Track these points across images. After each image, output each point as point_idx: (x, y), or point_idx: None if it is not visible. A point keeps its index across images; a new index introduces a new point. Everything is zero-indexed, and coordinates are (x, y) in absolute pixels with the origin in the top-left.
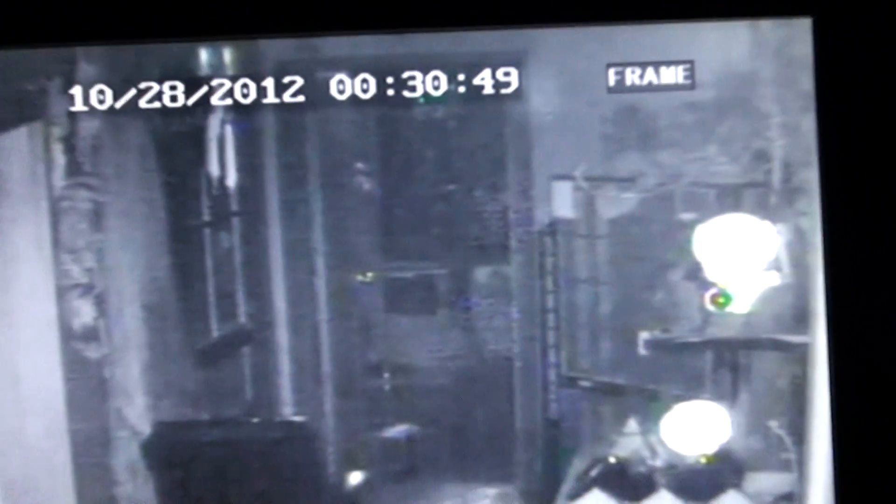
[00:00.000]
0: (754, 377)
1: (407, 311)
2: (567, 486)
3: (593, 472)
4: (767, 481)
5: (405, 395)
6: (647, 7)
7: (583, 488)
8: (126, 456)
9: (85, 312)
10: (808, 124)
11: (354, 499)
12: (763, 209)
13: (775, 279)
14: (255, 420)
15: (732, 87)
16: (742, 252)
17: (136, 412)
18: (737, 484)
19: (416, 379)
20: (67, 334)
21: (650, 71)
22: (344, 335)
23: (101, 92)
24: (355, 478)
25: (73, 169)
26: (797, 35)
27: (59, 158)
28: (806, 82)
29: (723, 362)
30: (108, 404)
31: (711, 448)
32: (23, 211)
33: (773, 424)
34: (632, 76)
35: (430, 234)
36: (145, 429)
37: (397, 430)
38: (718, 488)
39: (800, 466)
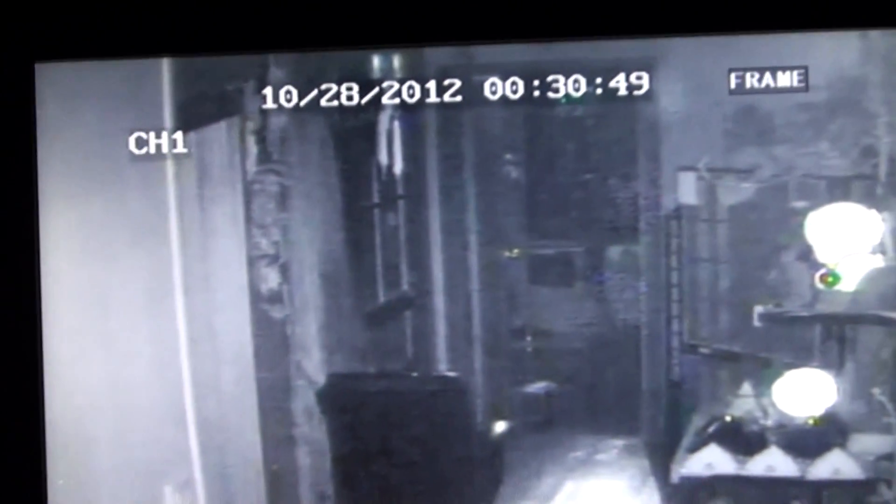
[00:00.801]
0: (859, 349)
1: (548, 283)
2: (687, 441)
3: (711, 429)
4: (870, 442)
5: (545, 356)
6: (765, 18)
7: (701, 443)
8: (303, 402)
9: (271, 279)
10: None
11: (498, 445)
12: (870, 199)
13: (880, 261)
14: (415, 374)
15: (843, 90)
16: (850, 237)
17: (313, 364)
18: (842, 444)
19: (554, 342)
20: (256, 297)
21: (768, 75)
22: (492, 303)
23: (289, 92)
24: (499, 427)
25: (264, 157)
26: None
27: (252, 148)
28: None
29: (830, 335)
30: (289, 357)
31: (819, 411)
32: (221, 192)
33: (876, 391)
34: (751, 80)
35: (569, 217)
36: (320, 379)
37: (537, 387)
38: (825, 447)
39: None
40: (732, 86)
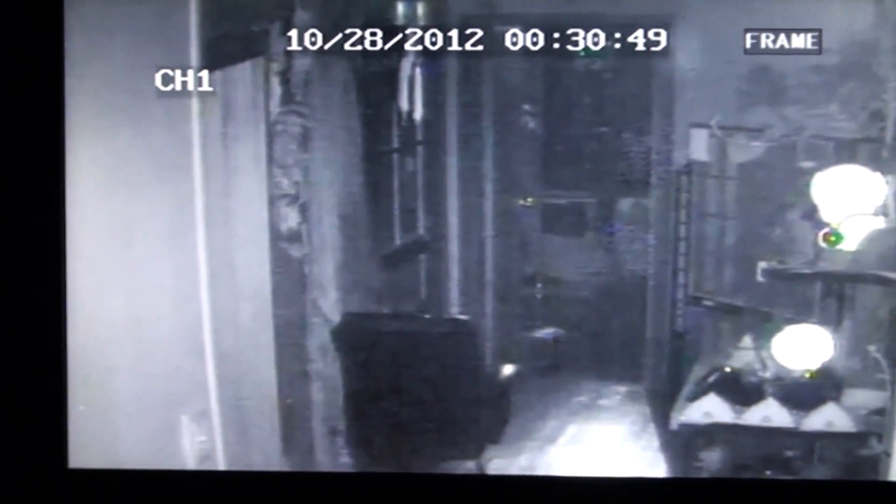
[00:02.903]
0: (857, 307)
1: (560, 232)
2: (687, 389)
3: (711, 379)
4: (863, 397)
5: (554, 303)
6: None
7: (701, 392)
8: (318, 339)
9: (291, 218)
10: None
11: (506, 387)
12: (875, 161)
13: (882, 223)
14: (427, 316)
15: (855, 54)
16: (854, 198)
17: (329, 303)
18: (836, 398)
19: (563, 290)
20: (276, 235)
21: (782, 36)
22: (505, 250)
23: (314, 35)
24: (507, 370)
25: (287, 98)
26: None
27: (276, 89)
28: None
29: (830, 292)
30: (305, 295)
31: (815, 365)
32: (245, 131)
33: (872, 349)
34: (766, 40)
35: (583, 168)
36: (335, 317)
37: (545, 332)
38: (819, 400)
39: (892, 386)
40: (748, 46)
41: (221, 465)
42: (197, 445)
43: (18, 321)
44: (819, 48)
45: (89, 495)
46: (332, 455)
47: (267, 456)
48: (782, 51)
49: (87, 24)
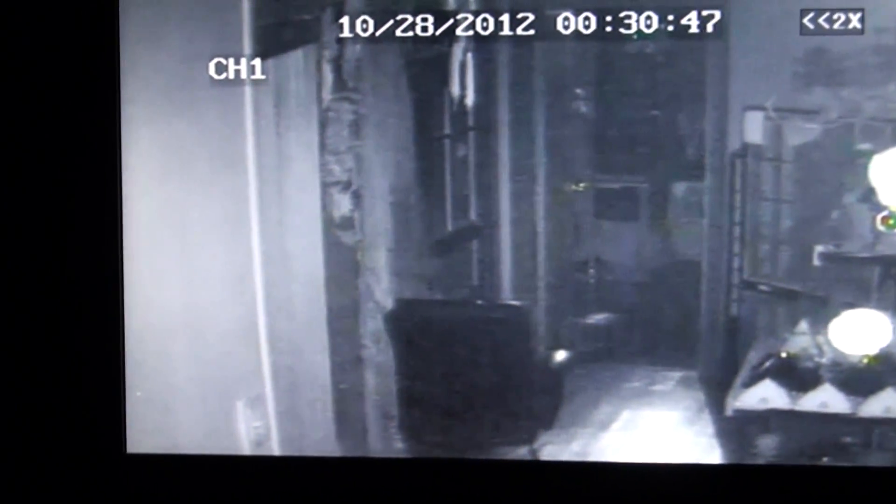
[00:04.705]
0: None
1: (612, 217)
2: (742, 375)
3: (766, 365)
4: None
5: (607, 289)
6: None
7: (756, 378)
8: (371, 325)
9: (343, 205)
10: None
11: (558, 373)
12: None
13: None
14: (480, 302)
15: None
16: None
17: (382, 289)
18: (894, 383)
19: (616, 275)
20: (329, 222)
21: (839, 16)
22: (557, 235)
23: (365, 22)
24: (560, 355)
25: (339, 85)
26: None
27: (328, 76)
28: None
29: (889, 276)
30: (358, 281)
31: (874, 350)
32: (297, 119)
33: None
34: (822, 21)
35: (635, 152)
36: (388, 303)
37: (598, 318)
38: (877, 385)
39: None
40: (803, 26)
41: (276, 450)
42: (252, 431)
43: (77, 309)
44: (877, 28)
45: (146, 480)
46: (386, 440)
47: (321, 441)
48: (839, 31)
49: (142, 14)
